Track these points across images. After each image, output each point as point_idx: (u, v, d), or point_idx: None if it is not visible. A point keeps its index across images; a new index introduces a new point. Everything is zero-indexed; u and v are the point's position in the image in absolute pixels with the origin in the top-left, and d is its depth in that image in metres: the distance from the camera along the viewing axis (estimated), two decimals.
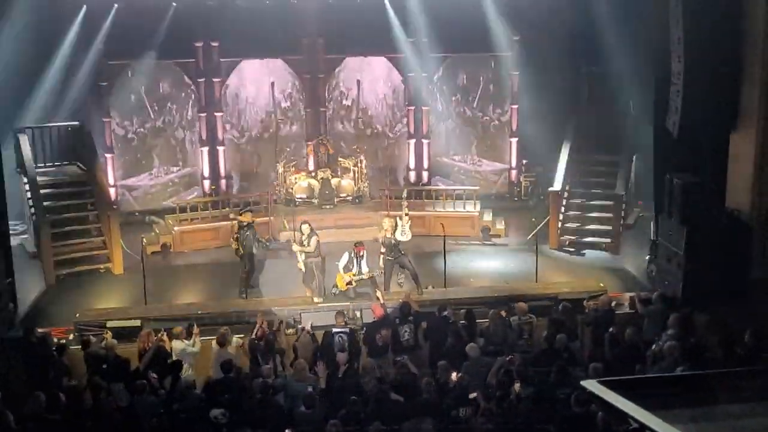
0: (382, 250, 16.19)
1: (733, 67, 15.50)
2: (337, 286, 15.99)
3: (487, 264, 18.52)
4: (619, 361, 12.28)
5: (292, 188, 21.01)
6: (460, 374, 11.77)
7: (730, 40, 15.39)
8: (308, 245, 15.86)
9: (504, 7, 21.19)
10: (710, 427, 6.13)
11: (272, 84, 22.34)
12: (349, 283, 15.78)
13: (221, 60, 21.69)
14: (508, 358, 12.17)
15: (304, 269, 15.93)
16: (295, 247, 16.04)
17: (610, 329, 13.18)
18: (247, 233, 16.48)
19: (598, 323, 13.73)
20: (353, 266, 15.86)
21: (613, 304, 14.98)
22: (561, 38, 21.12)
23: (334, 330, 13.28)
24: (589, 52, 20.66)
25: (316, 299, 15.79)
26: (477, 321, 13.97)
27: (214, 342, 13.38)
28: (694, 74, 15.53)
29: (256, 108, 22.55)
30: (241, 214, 16.99)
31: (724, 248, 15.22)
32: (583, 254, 19.00)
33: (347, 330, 13.35)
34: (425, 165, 22.92)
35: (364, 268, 15.83)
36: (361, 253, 15.83)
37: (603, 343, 13.09)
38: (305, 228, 16.15)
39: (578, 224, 19.79)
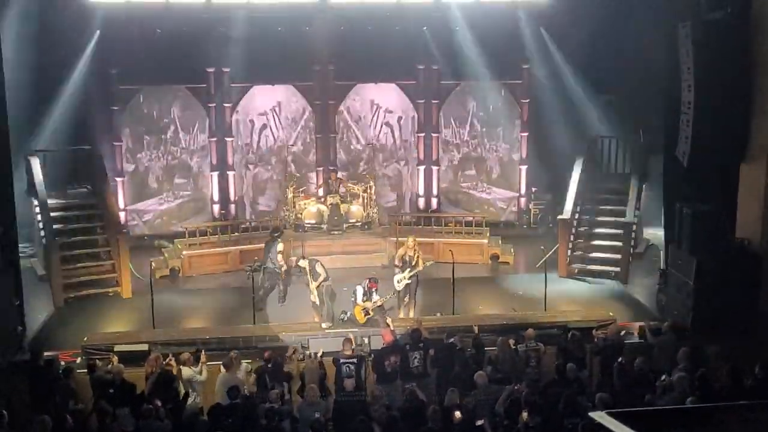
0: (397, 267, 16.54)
1: (744, 96, 15.49)
2: (346, 313, 15.99)
3: (496, 291, 18.45)
4: (628, 391, 12.19)
5: (301, 213, 21.03)
6: (466, 401, 11.70)
7: (740, 70, 15.39)
8: (319, 273, 15.96)
9: (514, 35, 21.29)
10: None
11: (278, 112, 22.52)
12: (367, 313, 15.76)
13: (232, 85, 21.84)
14: (516, 387, 12.10)
15: (318, 301, 15.96)
16: (313, 286, 16.07)
17: (620, 359, 13.09)
18: (271, 246, 16.93)
19: (607, 352, 13.65)
20: (366, 297, 15.86)
21: (622, 333, 14.89)
22: (571, 66, 21.17)
23: (342, 360, 13.21)
24: (600, 81, 20.69)
25: (324, 325, 15.77)
26: (485, 348, 13.93)
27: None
28: (704, 103, 15.55)
29: (266, 133, 22.60)
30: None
31: (734, 278, 15.14)
32: (592, 283, 18.92)
33: (354, 360, 13.27)
34: (435, 192, 22.94)
35: (374, 297, 15.84)
36: (375, 289, 15.86)
37: (612, 373, 13.00)
38: (303, 263, 16.39)
39: (587, 252, 19.73)
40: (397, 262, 16.69)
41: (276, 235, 17.75)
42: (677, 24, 16.11)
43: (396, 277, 16.50)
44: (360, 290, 15.80)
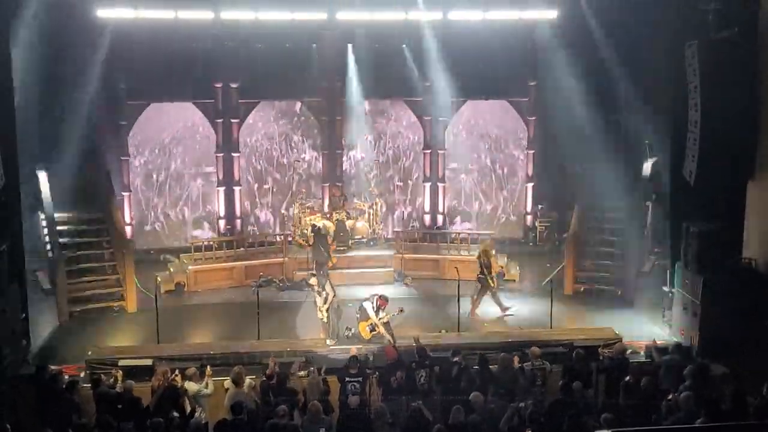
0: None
1: (750, 115, 15.49)
2: (350, 330, 15.97)
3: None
4: (634, 411, 12.13)
5: (306, 229, 21.00)
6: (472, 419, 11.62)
7: (747, 89, 15.40)
8: (329, 293, 15.97)
9: (521, 52, 21.33)
10: None
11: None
12: (373, 329, 15.74)
13: (240, 101, 21.90)
14: (520, 405, 12.02)
15: (326, 319, 15.95)
16: (323, 306, 16.05)
17: (626, 378, 13.03)
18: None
19: (613, 371, 13.58)
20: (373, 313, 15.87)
21: (628, 352, 14.80)
22: (578, 83, 21.15)
23: (347, 379, 13.16)
24: (606, 99, 20.67)
25: (328, 341, 15.74)
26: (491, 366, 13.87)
27: (227, 381, 13.31)
28: (711, 122, 15.54)
29: (272, 149, 22.65)
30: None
31: (741, 298, 15.07)
32: (599, 301, 18.84)
33: (360, 379, 13.23)
34: (441, 208, 22.92)
35: (381, 314, 15.83)
36: (384, 307, 15.84)
37: (617, 392, 12.94)
38: (313, 281, 16.39)
39: (594, 270, 19.66)
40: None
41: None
42: (684, 43, 16.14)
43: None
44: (369, 305, 15.80)
